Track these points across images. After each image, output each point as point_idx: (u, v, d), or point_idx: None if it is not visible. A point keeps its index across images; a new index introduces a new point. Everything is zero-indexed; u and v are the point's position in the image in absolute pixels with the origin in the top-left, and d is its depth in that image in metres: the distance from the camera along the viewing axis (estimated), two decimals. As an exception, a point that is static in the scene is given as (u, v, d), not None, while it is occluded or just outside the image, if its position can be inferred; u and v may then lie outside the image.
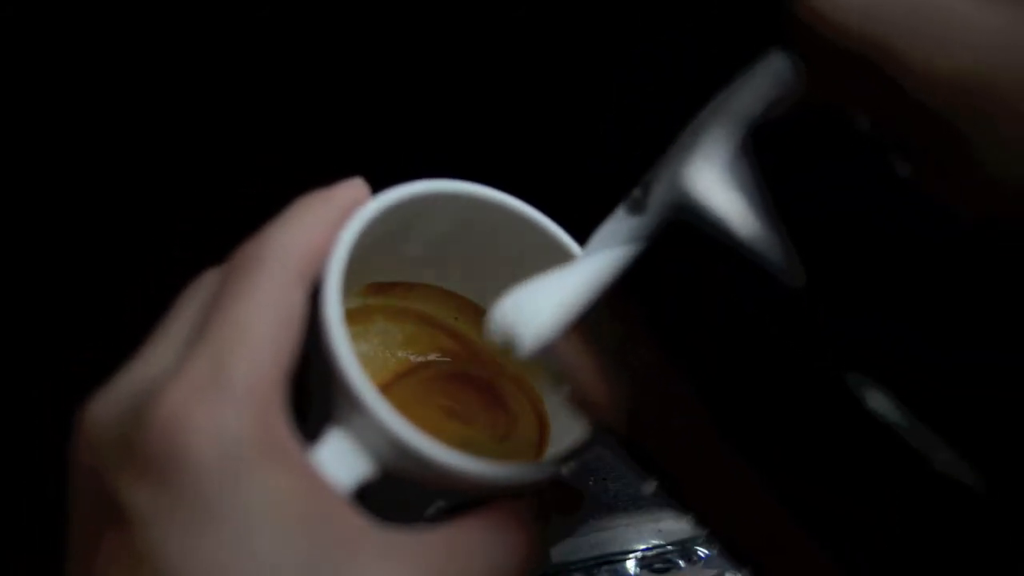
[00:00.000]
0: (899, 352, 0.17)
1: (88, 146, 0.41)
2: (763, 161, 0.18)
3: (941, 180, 0.17)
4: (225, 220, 0.27)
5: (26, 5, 0.37)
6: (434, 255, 0.34)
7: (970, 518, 0.17)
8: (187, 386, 0.22)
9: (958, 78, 0.15)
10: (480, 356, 0.36)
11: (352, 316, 0.34)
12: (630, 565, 0.42)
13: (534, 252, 0.32)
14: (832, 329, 0.18)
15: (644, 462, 0.23)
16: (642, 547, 0.43)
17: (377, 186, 0.30)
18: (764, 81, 0.19)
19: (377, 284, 0.35)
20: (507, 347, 0.26)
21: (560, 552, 0.42)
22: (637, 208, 0.28)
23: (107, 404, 0.23)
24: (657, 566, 0.42)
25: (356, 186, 0.28)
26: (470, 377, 0.35)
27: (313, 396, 0.26)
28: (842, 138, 0.18)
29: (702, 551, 0.43)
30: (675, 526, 0.43)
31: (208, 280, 0.26)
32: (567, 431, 0.29)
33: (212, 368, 0.22)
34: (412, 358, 0.35)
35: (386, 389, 0.34)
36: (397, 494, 0.27)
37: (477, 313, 0.36)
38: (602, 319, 0.20)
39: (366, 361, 0.34)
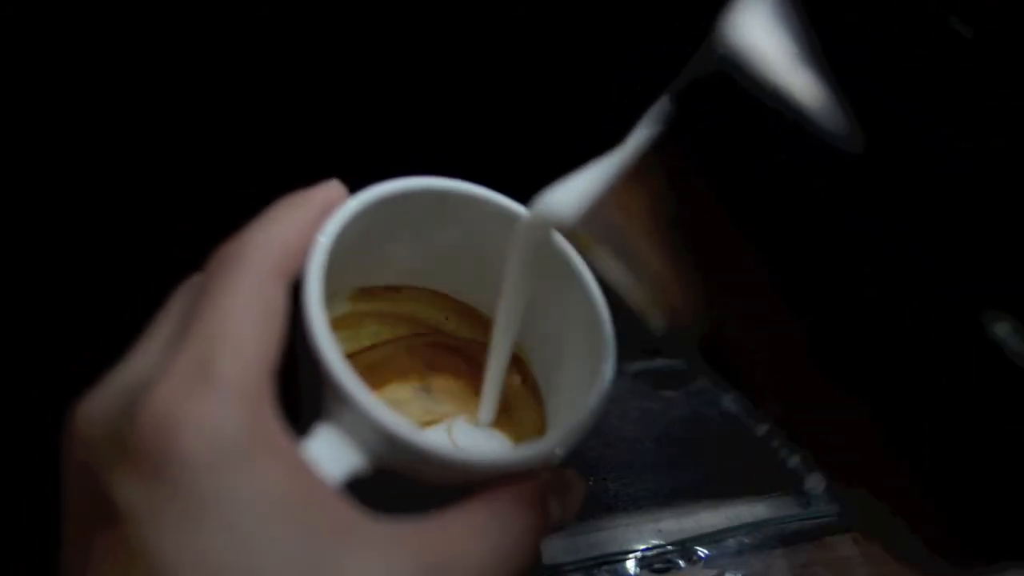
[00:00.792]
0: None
1: (88, 146, 0.41)
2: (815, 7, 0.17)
3: None
4: (225, 220, 0.27)
5: (26, 5, 0.37)
6: (421, 255, 0.34)
7: None
8: (174, 382, 0.22)
9: None
10: (473, 353, 0.36)
11: (342, 322, 0.34)
12: (630, 565, 0.42)
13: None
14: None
15: (719, 366, 0.22)
16: (642, 547, 0.43)
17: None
18: None
19: (365, 288, 0.35)
20: (557, 222, 0.25)
21: (560, 552, 0.42)
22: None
23: (97, 403, 0.23)
24: (657, 566, 0.42)
25: (332, 187, 0.29)
26: (463, 371, 0.35)
27: (304, 396, 0.26)
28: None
29: (702, 551, 0.43)
30: (675, 526, 0.43)
31: (192, 284, 0.26)
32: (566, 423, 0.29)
33: (197, 363, 0.23)
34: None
35: (382, 392, 0.34)
36: (391, 490, 0.27)
37: (468, 313, 0.36)
38: (653, 187, 0.19)
39: (365, 365, 0.34)
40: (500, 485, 0.26)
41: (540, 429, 0.34)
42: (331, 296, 0.33)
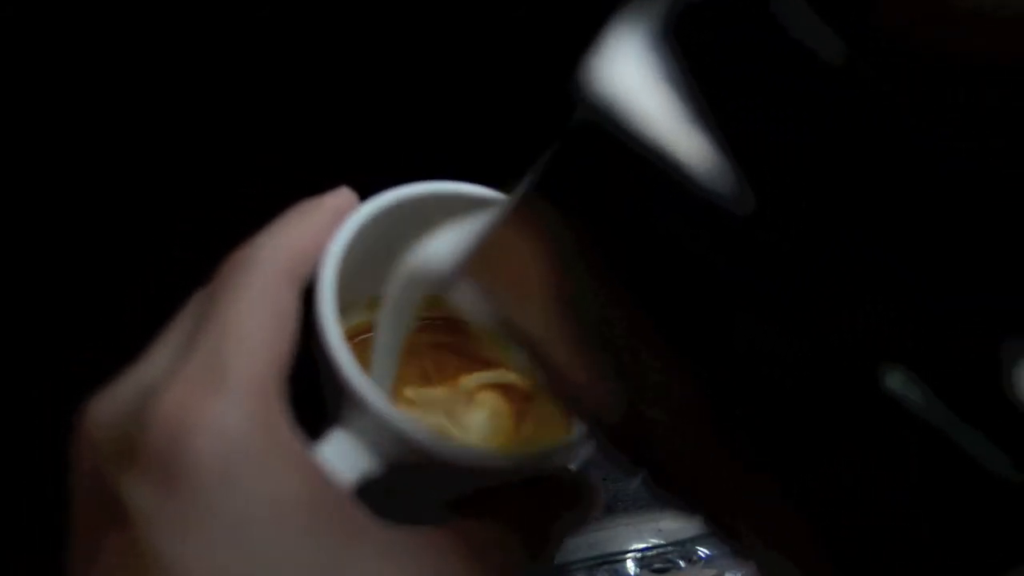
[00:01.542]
0: (895, 298, 0.15)
1: (87, 146, 0.41)
2: (691, 51, 0.15)
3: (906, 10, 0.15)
4: (225, 220, 0.27)
5: (26, 5, 0.37)
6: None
7: (994, 505, 0.15)
8: (185, 385, 0.22)
9: None
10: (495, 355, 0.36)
11: (360, 329, 0.34)
12: (630, 565, 0.42)
13: None
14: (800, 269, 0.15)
15: (628, 450, 0.22)
16: (642, 547, 0.43)
17: (378, 188, 0.30)
18: None
19: (380, 297, 0.35)
20: (422, 280, 0.25)
21: (560, 552, 0.42)
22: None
23: (107, 405, 0.23)
24: (657, 566, 0.42)
25: (343, 195, 0.29)
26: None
27: (327, 399, 0.26)
28: (767, 26, 0.15)
29: (702, 551, 0.43)
30: (675, 526, 0.43)
31: (203, 292, 0.26)
32: None
33: (208, 366, 0.23)
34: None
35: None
36: (403, 493, 0.27)
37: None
38: (531, 247, 0.18)
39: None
40: (515, 489, 0.26)
41: (563, 424, 0.34)
42: (348, 306, 0.33)
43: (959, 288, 0.15)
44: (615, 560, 0.42)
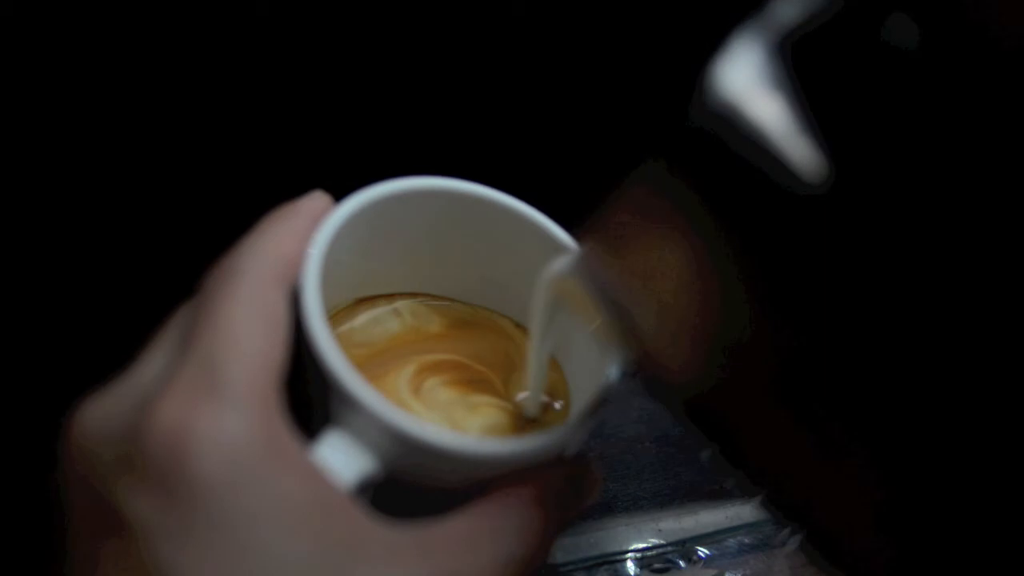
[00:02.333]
0: None
1: (87, 147, 0.41)
2: (799, 74, 0.17)
3: None
4: (218, 224, 0.27)
5: (26, 5, 0.37)
6: (420, 258, 0.34)
7: None
8: (183, 393, 0.22)
9: None
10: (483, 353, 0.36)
11: (344, 326, 0.34)
12: (630, 565, 0.42)
13: (526, 244, 0.32)
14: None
15: (704, 424, 0.22)
16: (642, 547, 0.43)
17: (361, 186, 0.30)
18: None
19: (366, 298, 0.35)
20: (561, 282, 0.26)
21: (560, 552, 0.42)
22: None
23: (101, 412, 0.23)
24: (657, 566, 0.42)
25: (317, 197, 0.29)
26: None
27: (313, 404, 0.26)
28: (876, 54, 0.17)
29: (702, 551, 0.43)
30: (675, 526, 0.43)
31: (189, 304, 0.26)
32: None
33: (204, 374, 0.22)
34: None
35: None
36: (401, 492, 0.27)
37: (463, 321, 0.36)
38: (646, 240, 0.20)
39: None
40: (512, 481, 0.26)
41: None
42: (333, 306, 0.33)
43: None
44: (615, 560, 0.42)
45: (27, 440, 0.31)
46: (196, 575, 0.21)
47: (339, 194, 0.30)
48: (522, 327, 0.36)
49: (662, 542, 0.43)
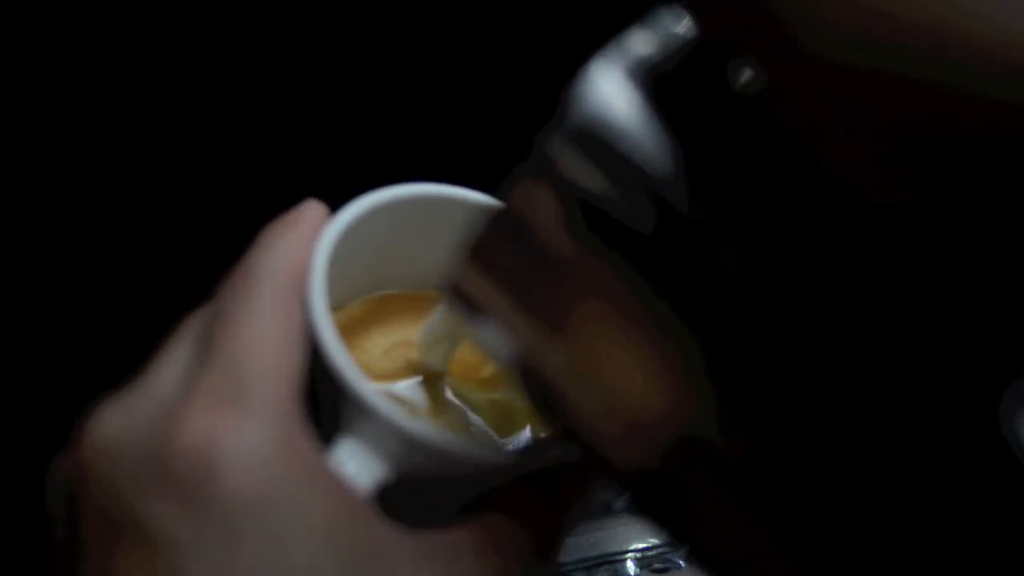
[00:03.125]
0: None
1: (86, 148, 0.41)
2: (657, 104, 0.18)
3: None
4: (224, 222, 0.27)
5: (26, 5, 0.37)
6: (420, 260, 0.34)
7: None
8: (208, 406, 0.22)
9: None
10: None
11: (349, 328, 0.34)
12: (630, 565, 0.42)
13: None
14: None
15: (619, 479, 0.22)
16: (642, 547, 0.43)
17: (362, 191, 0.31)
18: (655, 29, 0.19)
19: (377, 299, 0.35)
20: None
21: (560, 552, 0.42)
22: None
23: (119, 420, 0.23)
24: (657, 566, 0.42)
25: (315, 206, 0.29)
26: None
27: (322, 409, 0.26)
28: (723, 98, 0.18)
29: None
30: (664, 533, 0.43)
31: (199, 315, 0.26)
32: None
33: (228, 385, 0.22)
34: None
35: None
36: (416, 495, 0.27)
37: None
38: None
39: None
40: (523, 482, 0.26)
41: None
42: (337, 309, 0.33)
43: None
44: (615, 560, 0.42)
45: (28, 445, 0.31)
46: None
47: (338, 198, 0.30)
48: None
49: (662, 542, 0.43)
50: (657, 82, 0.18)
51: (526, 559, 0.25)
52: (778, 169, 0.17)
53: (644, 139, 0.17)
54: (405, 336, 0.34)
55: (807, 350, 0.17)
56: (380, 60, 0.44)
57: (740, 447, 0.18)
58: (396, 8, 0.42)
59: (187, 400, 0.22)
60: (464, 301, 0.22)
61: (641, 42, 0.18)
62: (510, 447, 0.26)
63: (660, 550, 0.43)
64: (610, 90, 0.18)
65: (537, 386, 0.22)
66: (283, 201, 0.29)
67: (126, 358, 0.25)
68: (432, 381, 0.31)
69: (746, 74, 0.17)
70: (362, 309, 0.34)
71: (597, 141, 0.18)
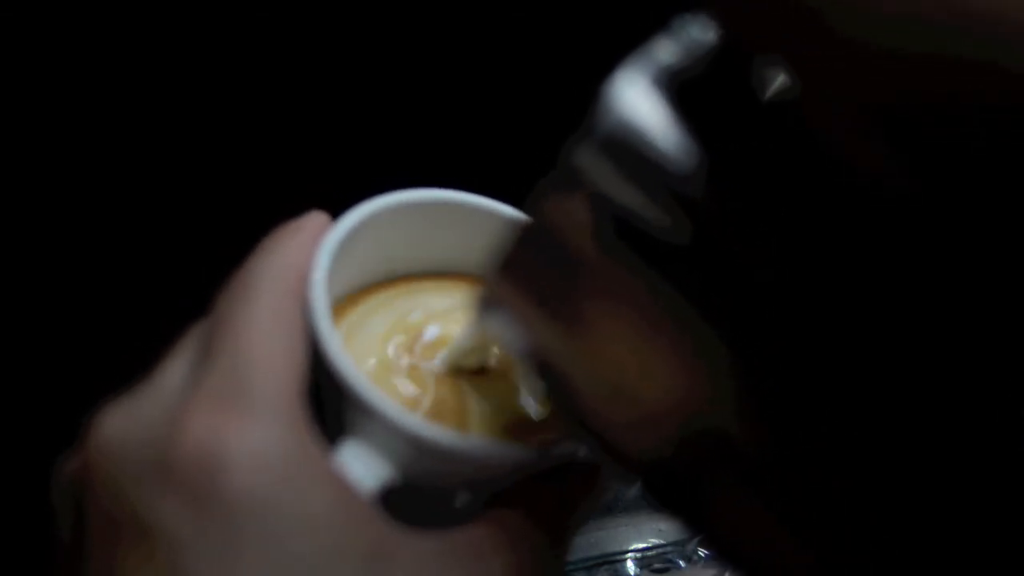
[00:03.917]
0: None
1: (95, 156, 0.41)
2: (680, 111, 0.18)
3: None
4: (230, 225, 0.27)
5: (26, 6, 0.37)
6: (422, 261, 0.34)
7: None
8: (212, 405, 0.22)
9: None
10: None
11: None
12: (630, 565, 0.42)
13: None
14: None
15: (632, 465, 0.22)
16: (642, 547, 0.43)
17: (374, 194, 0.31)
18: (679, 38, 0.19)
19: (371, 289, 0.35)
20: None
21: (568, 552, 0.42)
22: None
23: (125, 421, 0.23)
24: (657, 566, 0.42)
25: (317, 216, 0.29)
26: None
27: (326, 409, 0.26)
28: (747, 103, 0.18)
29: (702, 551, 0.43)
30: (675, 526, 0.43)
31: (203, 323, 0.26)
32: None
33: (231, 385, 0.22)
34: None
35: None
36: (422, 495, 0.27)
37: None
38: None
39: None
40: (528, 483, 0.26)
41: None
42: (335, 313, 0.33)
43: None
44: (615, 560, 0.42)
45: (33, 446, 0.31)
46: None
47: (342, 205, 0.30)
48: None
49: (662, 542, 0.43)
50: (682, 89, 0.18)
51: (536, 558, 0.25)
52: (804, 172, 0.17)
53: (672, 146, 0.18)
54: (403, 316, 0.34)
55: (834, 349, 0.17)
56: (385, 68, 0.44)
57: (761, 441, 0.18)
58: (402, 17, 0.42)
59: (190, 401, 0.22)
60: (494, 308, 0.22)
61: (666, 50, 0.19)
62: (517, 446, 0.26)
63: (660, 550, 0.43)
64: (637, 99, 0.18)
65: (557, 383, 0.22)
66: (288, 205, 0.29)
67: (131, 361, 0.25)
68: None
69: (777, 80, 0.17)
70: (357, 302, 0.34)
71: (625, 150, 0.18)
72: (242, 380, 0.22)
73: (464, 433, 0.29)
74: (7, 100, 0.39)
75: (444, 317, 0.33)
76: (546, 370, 0.22)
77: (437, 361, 0.31)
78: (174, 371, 0.24)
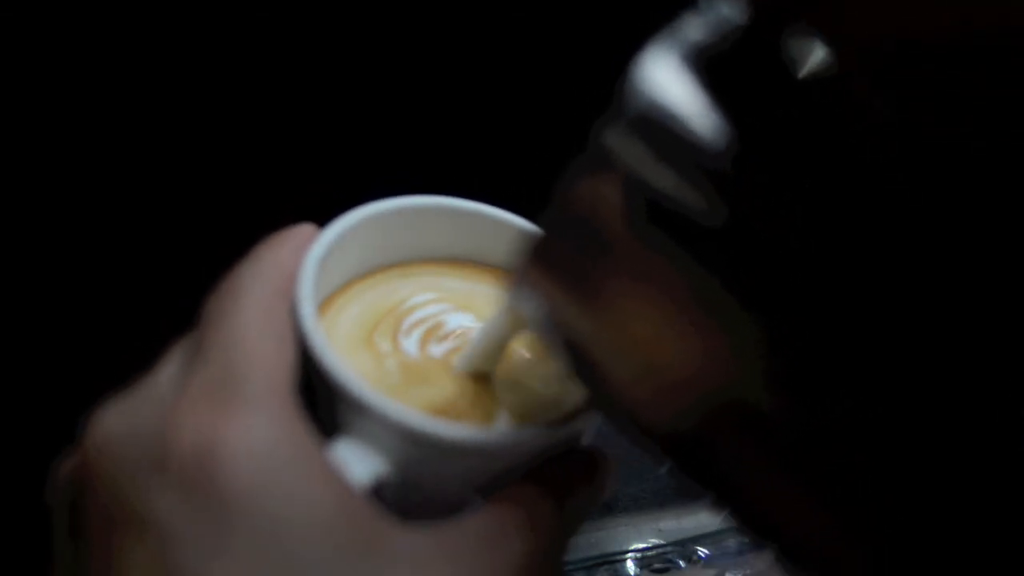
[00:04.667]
0: None
1: (93, 157, 0.41)
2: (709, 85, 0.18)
3: None
4: (228, 226, 0.27)
5: (26, 7, 0.37)
6: (411, 264, 0.35)
7: None
8: (206, 400, 0.22)
9: None
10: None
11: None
12: (630, 565, 0.42)
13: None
14: None
15: (660, 442, 0.22)
16: (642, 547, 0.43)
17: (371, 199, 0.31)
18: (707, 15, 0.19)
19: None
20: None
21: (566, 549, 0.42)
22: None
23: (122, 417, 0.23)
24: (657, 566, 0.42)
25: (304, 227, 0.29)
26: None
27: (319, 406, 0.26)
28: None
29: (702, 551, 0.43)
30: (675, 526, 0.43)
31: (193, 332, 0.26)
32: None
33: (224, 380, 0.23)
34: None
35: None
36: (416, 487, 0.27)
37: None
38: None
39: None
40: (526, 474, 0.26)
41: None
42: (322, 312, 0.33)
43: None
44: (615, 560, 0.42)
45: (31, 446, 0.30)
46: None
47: (331, 212, 0.31)
48: None
49: (662, 542, 0.43)
50: (712, 67, 0.18)
51: (532, 553, 0.25)
52: (844, 147, 0.17)
53: (704, 125, 0.18)
54: (384, 302, 0.34)
55: (864, 324, 0.17)
56: (383, 70, 0.44)
57: (789, 416, 0.19)
58: (401, 17, 0.42)
59: (184, 398, 0.23)
60: (525, 291, 0.22)
61: (694, 28, 0.19)
62: (506, 434, 0.26)
63: (660, 550, 0.43)
64: (667, 77, 0.18)
65: (587, 363, 0.22)
66: (287, 208, 0.30)
67: (130, 361, 0.26)
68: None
69: (814, 55, 0.17)
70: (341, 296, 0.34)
71: (657, 129, 0.18)
72: (235, 376, 0.23)
73: (455, 424, 0.28)
74: (7, 101, 0.38)
75: (430, 299, 0.33)
76: (575, 351, 0.22)
77: (455, 362, 0.31)
78: (168, 370, 0.24)
